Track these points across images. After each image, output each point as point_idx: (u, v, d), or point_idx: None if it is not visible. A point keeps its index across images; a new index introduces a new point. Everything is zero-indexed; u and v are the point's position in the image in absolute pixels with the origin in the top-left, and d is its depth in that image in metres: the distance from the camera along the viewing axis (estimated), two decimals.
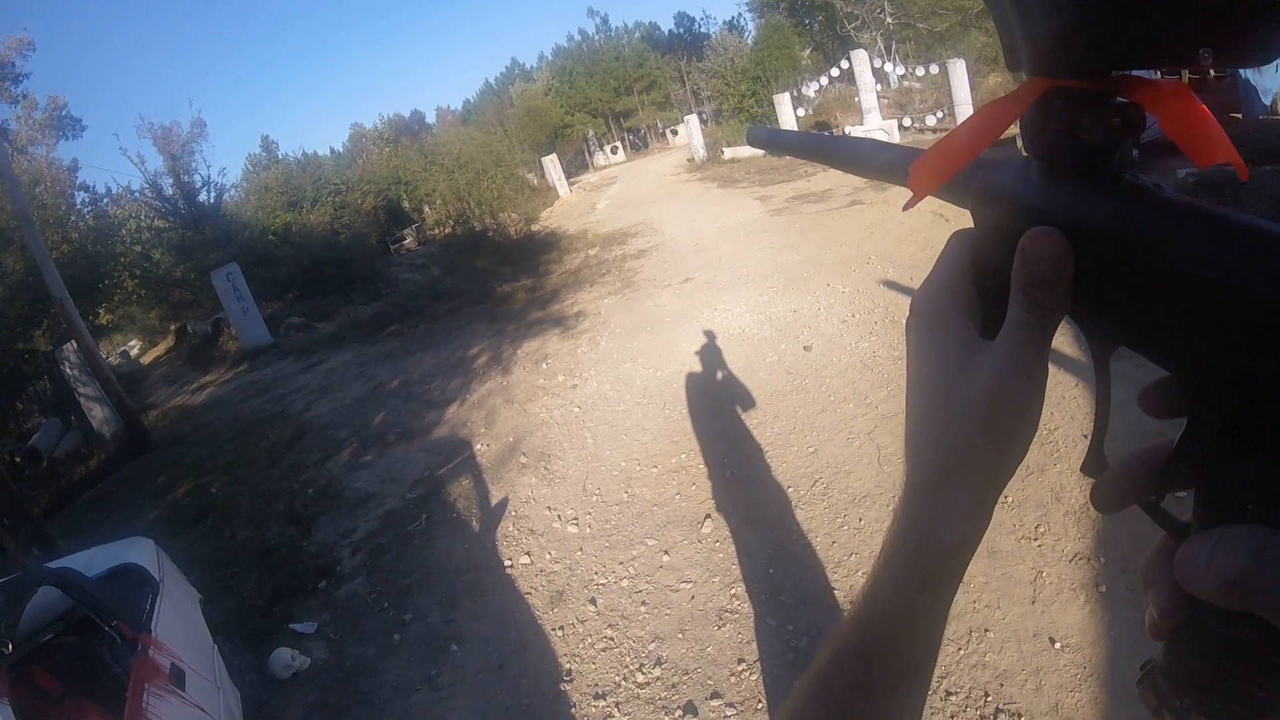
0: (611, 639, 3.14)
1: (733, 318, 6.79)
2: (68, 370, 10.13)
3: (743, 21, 37.34)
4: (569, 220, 17.99)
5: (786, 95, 19.27)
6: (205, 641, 3.05)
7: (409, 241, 23.44)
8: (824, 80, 20.13)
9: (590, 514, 4.17)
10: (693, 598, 3.25)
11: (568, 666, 3.05)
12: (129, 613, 2.72)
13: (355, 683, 3.32)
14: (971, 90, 13.92)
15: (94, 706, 2.37)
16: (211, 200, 20.38)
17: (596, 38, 42.71)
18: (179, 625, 2.91)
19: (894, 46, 23.45)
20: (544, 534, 4.10)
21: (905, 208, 0.38)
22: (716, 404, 5.18)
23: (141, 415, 9.96)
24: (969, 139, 0.32)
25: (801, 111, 19.96)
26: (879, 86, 17.82)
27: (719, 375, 5.64)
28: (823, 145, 0.49)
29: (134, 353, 19.65)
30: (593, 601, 3.42)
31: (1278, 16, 0.22)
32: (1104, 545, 2.82)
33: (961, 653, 2.55)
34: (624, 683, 2.89)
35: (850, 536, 3.34)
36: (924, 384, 0.36)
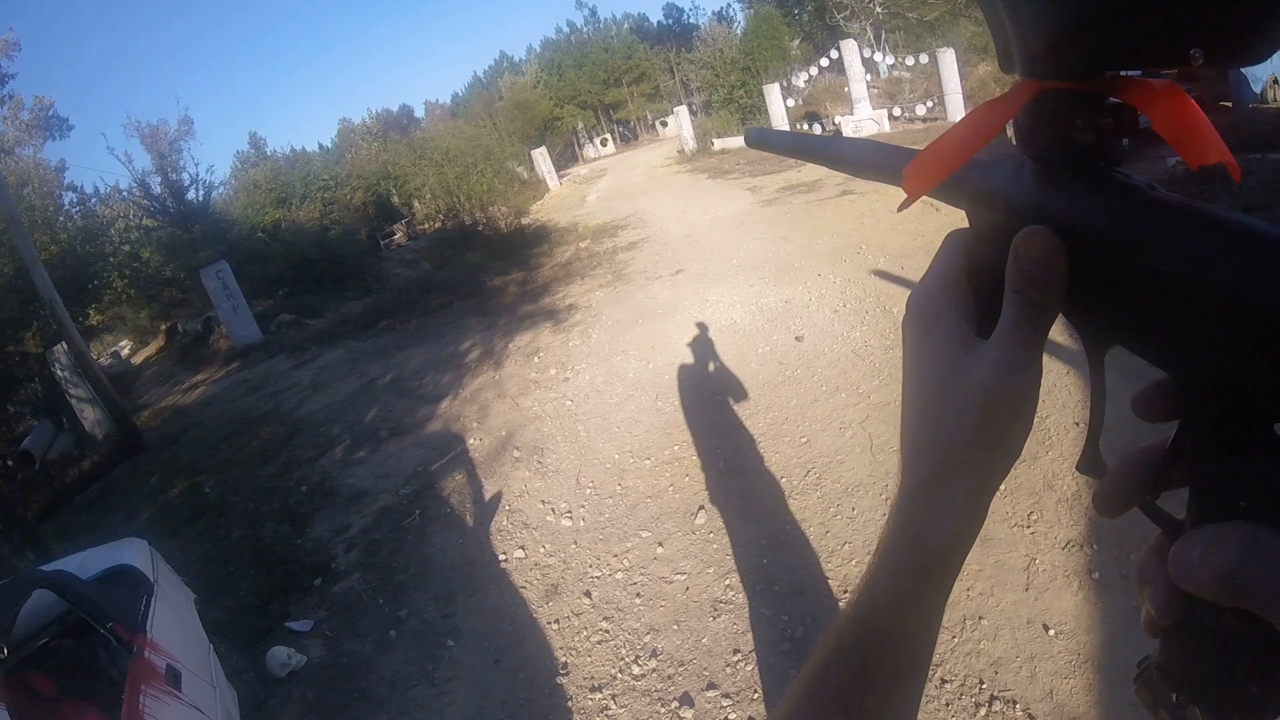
0: (607, 631, 3.15)
1: (724, 309, 6.80)
2: (59, 372, 10.08)
3: (732, 12, 37.45)
4: (559, 213, 17.97)
5: (776, 86, 19.28)
6: (201, 641, 3.04)
7: (399, 236, 23.38)
8: (813, 70, 20.18)
9: (584, 507, 4.17)
10: (687, 589, 3.26)
11: (564, 660, 3.06)
12: (124, 614, 2.71)
13: (352, 679, 3.32)
14: (961, 79, 13.91)
15: (91, 708, 2.36)
16: (200, 198, 20.18)
17: (585, 29, 42.62)
18: (174, 626, 2.90)
19: (884, 36, 23.44)
20: (538, 528, 4.10)
21: (899, 209, 0.38)
22: (709, 395, 5.18)
23: (134, 416, 9.91)
24: (962, 140, 0.32)
25: (791, 102, 19.98)
26: (869, 76, 17.85)
27: (711, 366, 5.65)
28: (818, 146, 0.49)
29: (125, 353, 19.55)
30: (588, 594, 3.42)
31: (1269, 16, 0.22)
32: (1097, 532, 2.84)
33: (956, 640, 2.57)
34: (620, 675, 2.90)
35: (844, 526, 3.35)
36: (919, 383, 0.36)
